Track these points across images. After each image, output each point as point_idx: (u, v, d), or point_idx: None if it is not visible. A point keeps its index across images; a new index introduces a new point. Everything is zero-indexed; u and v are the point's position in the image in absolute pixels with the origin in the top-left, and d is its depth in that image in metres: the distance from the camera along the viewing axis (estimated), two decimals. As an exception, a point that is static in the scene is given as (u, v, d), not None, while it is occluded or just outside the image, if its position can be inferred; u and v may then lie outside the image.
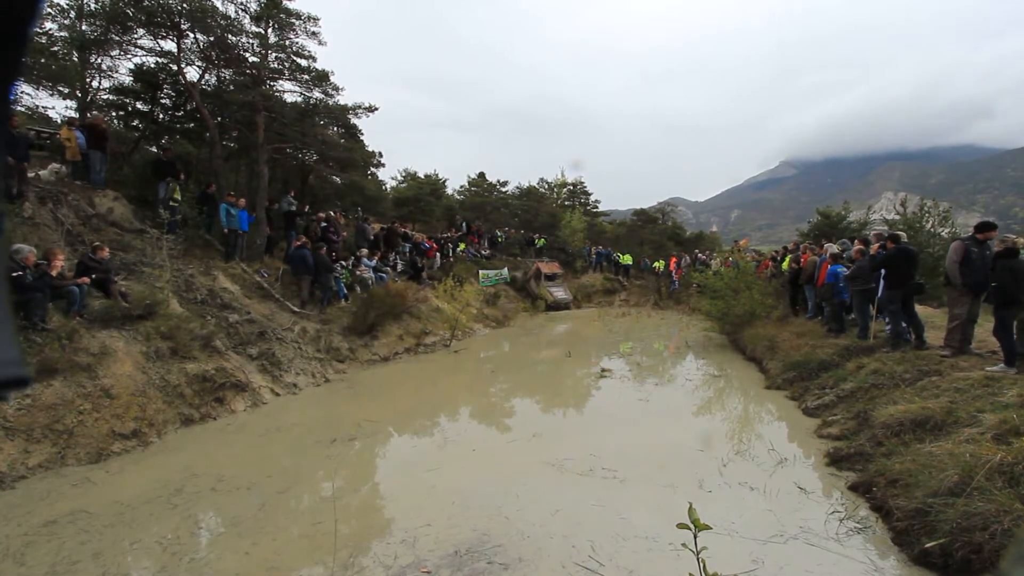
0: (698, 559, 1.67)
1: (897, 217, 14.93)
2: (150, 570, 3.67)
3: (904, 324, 7.59)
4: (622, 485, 5.01)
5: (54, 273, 6.48)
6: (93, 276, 7.24)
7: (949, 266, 6.52)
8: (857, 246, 9.12)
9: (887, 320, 7.97)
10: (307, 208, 14.37)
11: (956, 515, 3.47)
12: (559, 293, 21.68)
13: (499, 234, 24.80)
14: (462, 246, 21.42)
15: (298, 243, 11.81)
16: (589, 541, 3.90)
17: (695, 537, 1.63)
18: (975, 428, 4.51)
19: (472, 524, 4.23)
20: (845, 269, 9.11)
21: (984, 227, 6.51)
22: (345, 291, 12.49)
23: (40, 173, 9.35)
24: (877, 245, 8.17)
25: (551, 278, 22.22)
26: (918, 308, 7.91)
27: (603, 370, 10.45)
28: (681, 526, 1.64)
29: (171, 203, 10.65)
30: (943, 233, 13.69)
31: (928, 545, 3.47)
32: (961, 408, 5.00)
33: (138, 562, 3.79)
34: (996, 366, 5.79)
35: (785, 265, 13.46)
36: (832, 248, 10.36)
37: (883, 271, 7.75)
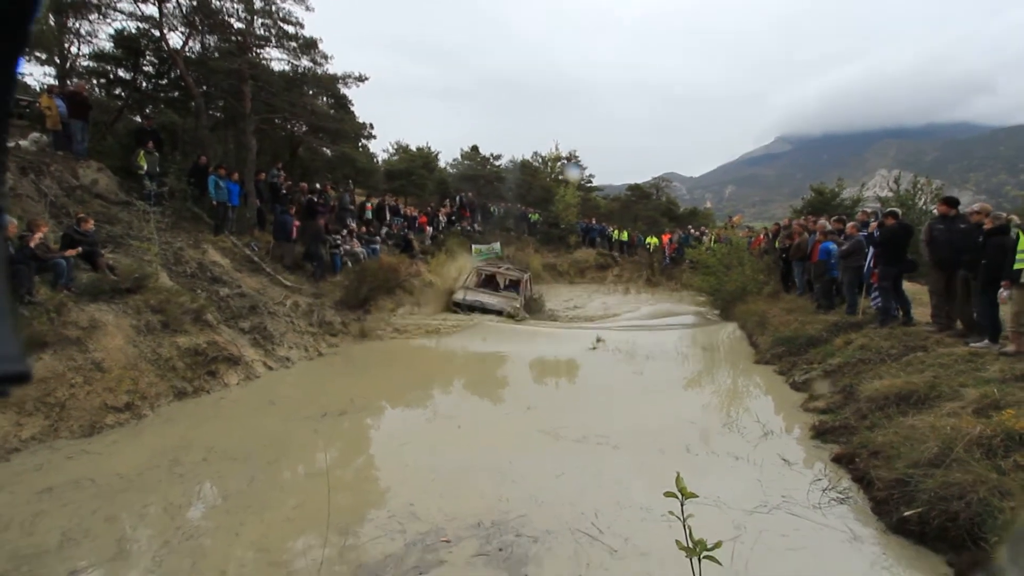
0: (684, 525, 1.71)
1: (890, 194, 14.94)
2: (157, 540, 3.71)
3: (892, 301, 7.68)
4: (615, 451, 5.19)
5: (33, 244, 6.31)
6: (79, 249, 7.11)
7: (922, 245, 6.71)
8: (851, 223, 9.16)
9: (874, 297, 8.05)
10: (289, 183, 14.07)
11: (935, 485, 3.57)
12: (487, 298, 14.17)
13: (492, 208, 24.58)
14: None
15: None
16: (594, 508, 4.01)
17: (682, 505, 1.67)
18: (957, 402, 4.61)
19: (480, 491, 4.32)
20: (836, 246, 9.15)
21: (945, 202, 6.96)
22: (340, 264, 12.42)
23: (20, 143, 9.08)
24: (875, 224, 8.20)
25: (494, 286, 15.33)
26: (910, 285, 8.00)
27: (597, 340, 10.58)
28: (668, 494, 1.68)
29: (137, 171, 10.34)
30: (935, 211, 13.72)
31: (906, 514, 3.59)
32: (944, 383, 5.10)
33: (144, 532, 3.83)
34: (980, 342, 5.89)
35: (777, 242, 13.49)
36: (826, 225, 10.39)
37: (872, 248, 7.81)
